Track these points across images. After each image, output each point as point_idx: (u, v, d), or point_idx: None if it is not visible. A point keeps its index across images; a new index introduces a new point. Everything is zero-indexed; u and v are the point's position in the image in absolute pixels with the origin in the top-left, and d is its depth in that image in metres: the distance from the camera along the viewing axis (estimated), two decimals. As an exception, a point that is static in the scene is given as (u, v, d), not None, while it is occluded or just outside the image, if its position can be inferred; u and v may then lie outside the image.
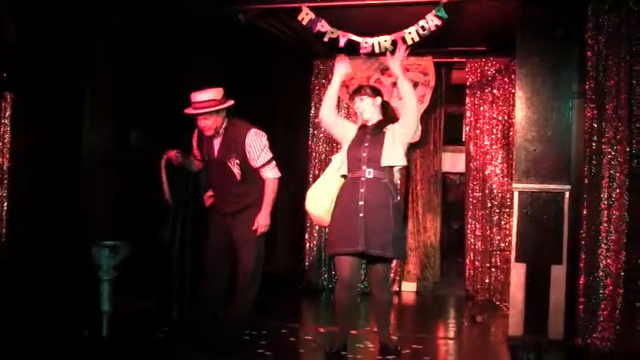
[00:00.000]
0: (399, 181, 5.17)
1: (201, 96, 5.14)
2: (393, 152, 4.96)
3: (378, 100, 5.12)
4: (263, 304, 5.45)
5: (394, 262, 8.41)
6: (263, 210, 5.25)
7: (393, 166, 5.00)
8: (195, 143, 5.48)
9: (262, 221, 5.24)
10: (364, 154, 4.96)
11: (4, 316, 5.38)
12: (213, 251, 5.42)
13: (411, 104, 4.99)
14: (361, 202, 4.86)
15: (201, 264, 5.55)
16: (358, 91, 5.18)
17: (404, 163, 5.04)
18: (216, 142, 5.29)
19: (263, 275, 5.39)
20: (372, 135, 5.04)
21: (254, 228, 5.21)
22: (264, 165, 5.26)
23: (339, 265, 5.02)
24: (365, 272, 6.40)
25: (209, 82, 5.34)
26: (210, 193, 5.46)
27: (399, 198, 5.04)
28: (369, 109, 5.09)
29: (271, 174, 5.31)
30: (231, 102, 5.23)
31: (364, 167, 4.93)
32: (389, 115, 5.18)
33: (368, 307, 6.99)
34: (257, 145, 5.23)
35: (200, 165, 5.58)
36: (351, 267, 4.93)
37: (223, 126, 5.25)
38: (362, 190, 4.88)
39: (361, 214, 4.84)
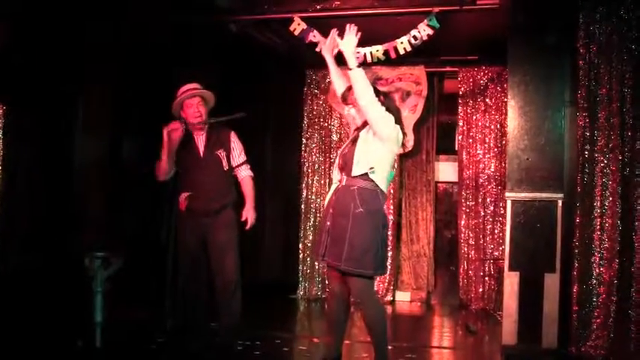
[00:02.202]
0: (381, 185, 4.56)
1: (193, 85, 5.38)
2: (364, 159, 4.55)
3: None
4: (257, 313, 5.43)
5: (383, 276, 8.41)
6: (249, 204, 5.44)
7: (367, 172, 4.55)
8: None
9: (252, 214, 5.40)
10: (341, 160, 4.75)
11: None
12: (191, 256, 5.39)
13: (362, 101, 4.46)
14: (331, 210, 4.66)
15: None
16: (343, 99, 4.84)
17: (370, 166, 4.52)
18: (200, 140, 5.39)
19: (257, 284, 5.40)
20: (352, 140, 4.75)
21: (243, 219, 5.37)
22: (243, 163, 5.51)
23: (327, 276, 4.99)
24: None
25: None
26: (185, 194, 5.37)
27: (364, 208, 4.48)
28: (359, 116, 4.73)
29: (249, 172, 5.54)
30: (213, 102, 5.47)
31: (343, 174, 4.69)
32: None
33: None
34: (239, 144, 5.51)
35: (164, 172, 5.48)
36: (338, 278, 4.72)
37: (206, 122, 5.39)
38: (334, 198, 4.69)
39: (328, 223, 4.65)
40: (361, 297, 4.63)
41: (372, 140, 4.56)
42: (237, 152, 5.48)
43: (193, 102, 5.30)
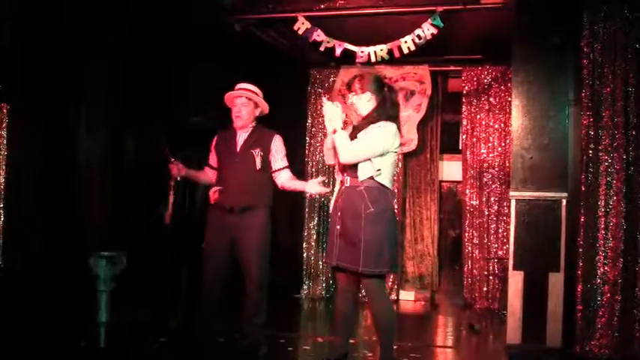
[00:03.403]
0: (387, 184, 4.56)
1: (248, 85, 5.46)
2: (368, 164, 4.54)
3: (367, 95, 4.68)
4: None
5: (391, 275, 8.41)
6: (303, 184, 5.47)
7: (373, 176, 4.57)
8: (214, 145, 5.55)
9: (316, 184, 5.38)
10: (342, 164, 4.69)
11: (2, 326, 5.36)
12: (213, 251, 5.34)
13: (344, 159, 4.58)
14: (339, 213, 4.63)
15: (198, 269, 5.51)
16: (348, 87, 4.86)
17: (377, 168, 4.51)
18: (241, 137, 5.39)
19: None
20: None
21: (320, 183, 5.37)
22: (284, 168, 5.43)
23: (335, 275, 4.98)
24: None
25: (204, 90, 5.41)
26: (216, 188, 5.36)
27: (375, 207, 4.48)
28: (359, 106, 4.74)
29: (289, 174, 5.45)
30: (266, 108, 5.51)
31: (345, 175, 4.67)
32: (384, 111, 4.67)
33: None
34: (281, 148, 5.45)
35: (212, 175, 5.53)
36: (346, 277, 4.73)
37: (251, 125, 5.41)
38: (339, 200, 4.66)
39: (338, 226, 4.62)
40: (373, 294, 4.63)
41: None
42: (279, 156, 5.40)
43: (238, 102, 5.37)
